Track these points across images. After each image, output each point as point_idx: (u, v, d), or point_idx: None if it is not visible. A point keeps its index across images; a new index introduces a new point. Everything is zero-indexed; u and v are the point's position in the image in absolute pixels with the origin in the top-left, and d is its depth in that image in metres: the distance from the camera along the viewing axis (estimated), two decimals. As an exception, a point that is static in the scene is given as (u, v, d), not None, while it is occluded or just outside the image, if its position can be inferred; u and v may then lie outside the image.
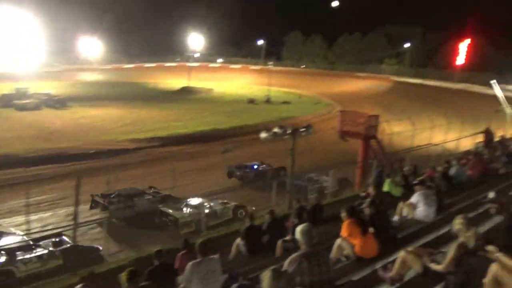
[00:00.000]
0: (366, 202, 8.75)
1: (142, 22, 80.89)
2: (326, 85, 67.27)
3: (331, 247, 6.64)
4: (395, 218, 8.71)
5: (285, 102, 56.39)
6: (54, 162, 24.64)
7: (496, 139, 20.88)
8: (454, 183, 11.60)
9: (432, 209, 8.68)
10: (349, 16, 79.73)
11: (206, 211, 16.18)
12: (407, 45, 75.14)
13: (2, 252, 11.84)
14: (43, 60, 66.48)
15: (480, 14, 58.34)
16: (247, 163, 23.50)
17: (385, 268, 5.97)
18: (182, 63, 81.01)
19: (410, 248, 5.82)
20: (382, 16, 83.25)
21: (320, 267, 4.43)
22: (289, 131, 15.80)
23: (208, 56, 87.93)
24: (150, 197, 18.09)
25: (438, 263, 5.17)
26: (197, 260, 5.84)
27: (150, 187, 19.25)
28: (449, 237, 5.87)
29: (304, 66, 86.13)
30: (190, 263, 5.83)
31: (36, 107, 42.92)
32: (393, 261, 5.82)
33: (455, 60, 65.96)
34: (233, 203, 17.36)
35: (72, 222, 13.90)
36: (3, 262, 11.63)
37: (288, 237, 8.50)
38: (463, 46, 65.70)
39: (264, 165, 23.13)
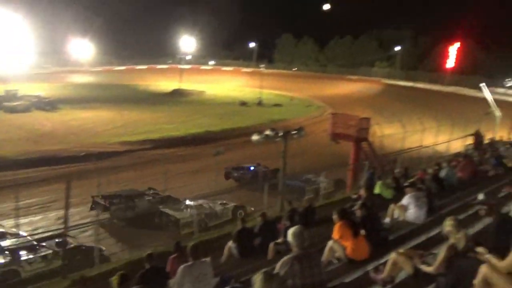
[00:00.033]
0: (358, 204, 8.79)
1: (134, 24, 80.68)
2: (318, 88, 67.52)
3: (323, 249, 6.64)
4: (387, 220, 8.76)
5: (276, 105, 56.49)
6: (44, 165, 24.43)
7: (486, 141, 21.11)
8: (444, 185, 11.69)
9: (423, 211, 8.74)
10: (340, 19, 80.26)
11: (206, 211, 16.50)
12: (397, 48, 75.74)
13: (6, 252, 11.97)
14: (33, 61, 65.98)
15: (469, 18, 59.04)
16: (244, 164, 23.68)
17: (376, 270, 5.99)
18: (173, 65, 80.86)
19: (401, 250, 5.85)
20: (373, 19, 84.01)
21: (312, 270, 4.43)
22: (280, 134, 15.77)
23: (200, 58, 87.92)
24: (150, 198, 18.23)
25: (429, 264, 5.20)
26: (189, 263, 5.82)
27: (149, 188, 19.34)
28: (440, 239, 5.91)
29: (295, 68, 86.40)
30: (181, 266, 5.81)
31: (26, 109, 42.53)
32: (385, 263, 5.84)
33: (445, 63, 66.66)
34: (232, 204, 17.62)
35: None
36: (8, 262, 11.77)
37: (280, 240, 8.50)
38: (453, 50, 66.42)
39: (261, 167, 23.16)
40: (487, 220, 6.70)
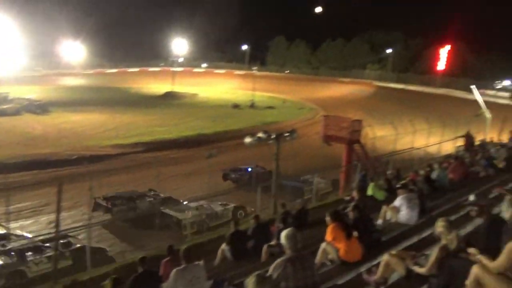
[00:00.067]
0: (350, 206, 8.82)
1: (126, 27, 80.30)
2: (310, 90, 67.74)
3: (316, 251, 6.65)
4: (379, 221, 8.80)
5: (269, 107, 56.58)
6: (35, 168, 24.22)
7: (477, 143, 21.29)
8: (436, 187, 11.76)
9: (415, 212, 8.79)
10: (332, 22, 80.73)
11: (207, 212, 16.85)
12: (389, 51, 76.29)
13: (12, 253, 12.17)
14: (24, 64, 65.46)
15: (460, 21, 59.64)
16: (241, 166, 23.88)
17: (369, 271, 6.01)
18: (166, 68, 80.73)
19: (393, 251, 5.87)
20: (364, 22, 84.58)
21: (305, 272, 4.44)
22: (273, 136, 15.78)
23: (192, 61, 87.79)
24: (151, 199, 18.44)
25: (421, 265, 5.23)
26: (182, 266, 5.80)
27: (150, 190, 19.49)
28: (432, 240, 5.95)
29: (288, 71, 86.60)
30: (174, 270, 5.79)
31: (16, 112, 42.10)
32: (377, 265, 5.87)
33: (436, 65, 67.24)
34: (232, 205, 17.96)
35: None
36: (15, 262, 11.95)
37: (273, 242, 8.50)
38: (444, 52, 67.02)
39: (258, 168, 23.20)
40: (478, 221, 6.76)
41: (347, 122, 22.11)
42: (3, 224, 15.33)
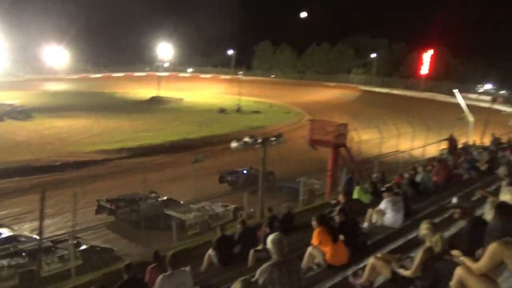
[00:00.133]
0: (336, 209, 8.86)
1: (110, 31, 79.76)
2: (296, 95, 68.06)
3: (303, 255, 6.66)
4: (365, 224, 8.85)
5: (255, 112, 56.61)
6: (18, 175, 23.75)
7: (460, 146, 21.63)
8: (420, 189, 11.90)
9: (400, 215, 8.87)
10: (317, 27, 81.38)
11: (209, 213, 17.42)
12: (373, 55, 77.19)
13: (23, 254, 12.52)
14: (6, 69, 64.42)
15: (442, 26, 60.74)
16: (237, 168, 24.11)
17: (355, 275, 6.04)
18: (151, 73, 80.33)
19: (379, 254, 5.92)
20: (349, 27, 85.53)
21: (291, 276, 4.44)
22: (259, 141, 15.85)
23: (178, 66, 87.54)
24: (154, 201, 18.76)
25: (406, 268, 5.27)
26: (168, 273, 5.76)
27: (151, 192, 19.71)
28: (417, 242, 6.00)
29: (274, 75, 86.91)
30: (160, 276, 5.75)
31: (-2, 118, 41.48)
32: (364, 268, 5.90)
33: (420, 69, 68.29)
34: (232, 206, 18.28)
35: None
36: (27, 262, 12.30)
37: (260, 247, 8.48)
38: (427, 57, 68.13)
39: (253, 170, 23.27)
40: (462, 223, 6.85)
41: (333, 126, 22.24)
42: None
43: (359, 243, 7.35)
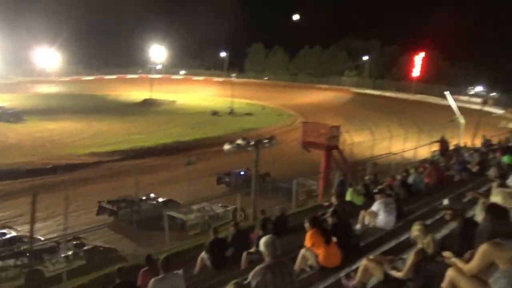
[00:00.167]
0: (329, 211, 8.88)
1: (102, 33, 79.43)
2: (289, 97, 68.18)
3: (296, 257, 6.67)
4: (358, 226, 8.88)
5: (248, 114, 56.66)
6: (9, 178, 23.52)
7: (451, 147, 21.78)
8: (412, 191, 11.96)
9: (392, 216, 8.90)
10: (310, 30, 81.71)
11: (209, 214, 17.73)
12: (365, 58, 77.58)
13: (27, 254, 12.69)
14: (-3, 71, 63.92)
15: (433, 29, 61.32)
16: (234, 170, 24.24)
17: (348, 276, 6.05)
18: (144, 75, 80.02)
19: (371, 256, 5.93)
20: (341, 30, 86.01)
21: (284, 278, 4.43)
22: (252, 143, 15.90)
23: (171, 68, 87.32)
24: (154, 202, 19.10)
25: (399, 270, 5.29)
26: (160, 276, 5.72)
27: (150, 193, 20.09)
28: (409, 244, 6.03)
29: (266, 78, 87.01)
30: (152, 280, 5.72)
31: (-11, 121, 41.08)
32: (356, 270, 5.92)
33: (411, 72, 68.76)
34: (232, 206, 18.40)
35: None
36: (32, 262, 12.55)
37: (253, 249, 8.47)
38: (418, 59, 68.63)
39: (250, 171, 23.32)
40: (453, 225, 6.90)
41: (325, 129, 22.32)
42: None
43: (351, 245, 7.37)
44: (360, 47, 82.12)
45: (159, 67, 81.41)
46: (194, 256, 9.33)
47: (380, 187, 11.10)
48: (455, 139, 24.56)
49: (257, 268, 4.42)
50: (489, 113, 43.06)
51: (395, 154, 22.81)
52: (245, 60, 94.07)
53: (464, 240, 5.05)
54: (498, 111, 48.66)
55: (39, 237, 14.61)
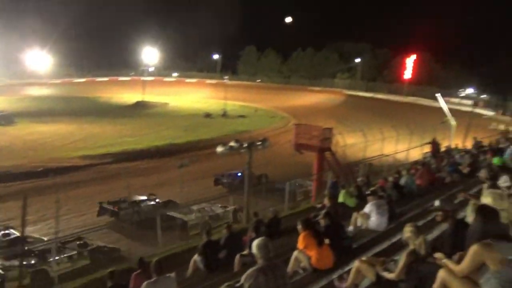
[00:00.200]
0: (322, 213, 8.89)
1: (94, 36, 79.04)
2: (281, 99, 68.33)
3: (289, 259, 6.67)
4: (350, 228, 8.90)
5: (241, 116, 56.68)
6: (-1, 181, 23.34)
7: (442, 149, 21.92)
8: (404, 193, 12.01)
9: (384, 218, 8.94)
10: (302, 32, 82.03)
11: (210, 214, 17.89)
12: (358, 60, 77.99)
13: (33, 254, 12.89)
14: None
15: (424, 32, 61.79)
16: (232, 171, 24.26)
17: (341, 278, 6.07)
18: (136, 77, 79.75)
19: (363, 258, 5.95)
20: (333, 32, 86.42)
21: (277, 281, 4.42)
22: (245, 145, 15.92)
23: (163, 70, 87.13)
24: (154, 202, 19.23)
25: (391, 271, 5.31)
26: (152, 279, 5.70)
27: (150, 194, 20.19)
28: (401, 245, 6.06)
29: (259, 80, 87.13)
30: (144, 283, 5.69)
31: (-21, 124, 40.71)
32: (349, 271, 5.93)
33: (403, 74, 69.24)
34: (232, 207, 18.60)
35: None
36: (37, 262, 12.76)
37: (246, 252, 8.46)
38: (410, 62, 69.15)
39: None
40: (445, 226, 6.95)
41: (318, 131, 22.37)
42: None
43: (344, 247, 7.39)
44: (352, 50, 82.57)
45: (151, 69, 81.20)
46: (187, 258, 9.30)
47: (372, 188, 11.15)
48: (446, 141, 24.73)
49: (250, 270, 4.41)
50: (480, 115, 43.50)
51: (387, 155, 22.92)
52: (238, 63, 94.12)
53: (455, 241, 5.08)
54: (489, 113, 49.22)
55: (42, 237, 14.83)
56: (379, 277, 5.46)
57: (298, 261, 6.68)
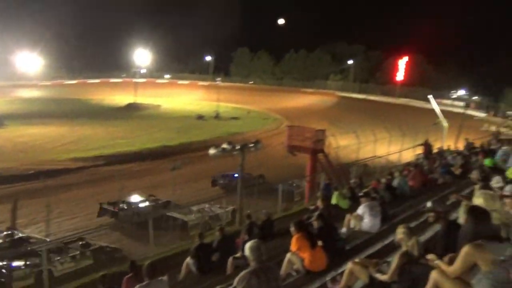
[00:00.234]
0: (315, 215, 8.88)
1: (86, 37, 78.57)
2: (274, 101, 68.39)
3: (282, 262, 6.65)
4: (343, 230, 8.90)
5: (234, 118, 56.61)
6: (-12, 185, 23.04)
7: (435, 150, 22.05)
8: (397, 194, 12.05)
9: (377, 220, 8.95)
10: (295, 34, 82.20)
11: (209, 214, 17.99)
12: (350, 62, 78.33)
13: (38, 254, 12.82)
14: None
15: (417, 33, 62.21)
16: (229, 172, 24.13)
17: (334, 280, 6.06)
18: (128, 79, 79.42)
19: (356, 259, 5.95)
20: (326, 34, 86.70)
21: (270, 283, 4.40)
22: (238, 147, 15.87)
23: (155, 72, 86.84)
24: (154, 203, 19.34)
25: (384, 273, 5.31)
26: (144, 283, 5.64)
27: (150, 195, 20.29)
28: (394, 247, 6.06)
29: (252, 82, 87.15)
30: (136, 287, 5.62)
31: (-32, 126, 40.29)
32: (342, 273, 5.92)
33: (395, 76, 69.66)
34: (231, 207, 18.72)
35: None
36: (41, 262, 12.47)
37: (238, 254, 8.42)
38: (402, 63, 69.58)
39: (245, 174, 23.30)
40: (438, 227, 6.97)
41: (311, 132, 22.43)
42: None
43: (337, 249, 7.38)
44: (345, 51, 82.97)
45: (143, 71, 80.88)
46: (179, 261, 9.24)
47: (365, 190, 11.16)
48: (438, 142, 24.88)
49: (243, 273, 4.39)
50: (472, 117, 43.86)
51: (380, 157, 23.01)
52: (231, 64, 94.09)
53: (447, 243, 5.09)
54: (480, 114, 49.64)
55: (45, 238, 14.89)
56: (372, 279, 5.45)
57: (291, 263, 6.66)
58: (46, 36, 68.21)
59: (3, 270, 12.15)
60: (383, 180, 12.86)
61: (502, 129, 33.74)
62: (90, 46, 78.01)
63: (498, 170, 12.29)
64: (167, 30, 78.81)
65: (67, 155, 30.76)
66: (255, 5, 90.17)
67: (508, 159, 13.73)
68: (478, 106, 55.40)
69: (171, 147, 34.79)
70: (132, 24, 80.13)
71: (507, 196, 5.70)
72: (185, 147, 35.22)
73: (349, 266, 5.69)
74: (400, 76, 69.32)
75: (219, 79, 75.20)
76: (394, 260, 5.13)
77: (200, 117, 55.40)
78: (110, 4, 75.36)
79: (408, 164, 18.52)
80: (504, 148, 15.43)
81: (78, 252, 13.80)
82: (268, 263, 4.65)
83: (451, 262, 4.24)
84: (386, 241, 7.74)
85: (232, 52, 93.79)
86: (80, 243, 14.23)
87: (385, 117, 45.70)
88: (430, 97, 32.87)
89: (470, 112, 46.74)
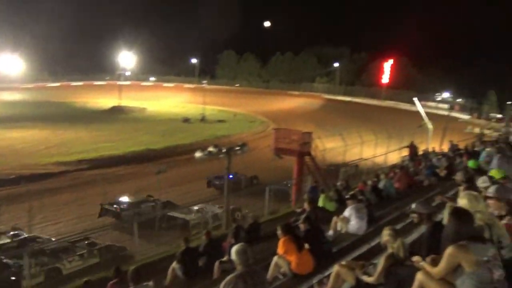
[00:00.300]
0: (302, 218, 8.86)
1: (67, 39, 77.58)
2: (261, 103, 68.48)
3: (269, 265, 6.61)
4: (330, 232, 8.89)
5: (220, 121, 56.53)
6: (-32, 190, 22.50)
7: (420, 152, 22.28)
8: (383, 196, 12.11)
9: (364, 222, 8.97)
10: (281, 36, 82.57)
11: (209, 214, 18.02)
12: (336, 64, 78.90)
13: (47, 252, 13.43)
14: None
15: (402, 36, 63.06)
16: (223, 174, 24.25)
17: (321, 283, 6.03)
18: (112, 82, 78.66)
19: (343, 262, 5.93)
20: (312, 36, 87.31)
21: (256, 287, 4.36)
22: (224, 150, 15.84)
23: (140, 75, 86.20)
24: (154, 203, 19.61)
25: (370, 275, 5.30)
26: (129, 288, 5.55)
27: (149, 196, 20.58)
28: (380, 249, 6.07)
29: (238, 84, 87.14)
30: (121, 293, 5.53)
31: None
32: (329, 276, 5.90)
33: (381, 78, 70.38)
34: (230, 207, 18.56)
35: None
36: (50, 261, 13.27)
37: (225, 258, 8.35)
38: (387, 66, 70.35)
39: (239, 174, 23.28)
40: (423, 229, 7.00)
41: (297, 135, 22.47)
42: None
43: (324, 251, 7.36)
44: (331, 54, 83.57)
45: (128, 73, 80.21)
46: (165, 266, 9.13)
47: (351, 192, 11.19)
48: (423, 144, 25.15)
49: (229, 277, 4.33)
50: (456, 119, 44.51)
51: (366, 159, 23.16)
52: (217, 67, 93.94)
53: (432, 244, 5.11)
54: (464, 116, 50.46)
55: (51, 238, 15.29)
56: (358, 281, 5.44)
57: (278, 267, 6.62)
58: (27, 38, 67.18)
59: (13, 269, 12.36)
60: (369, 182, 12.92)
61: (486, 131, 34.32)
62: (73, 48, 77.06)
63: (482, 171, 12.43)
64: (152, 32, 78.51)
65: (50, 159, 30.27)
66: (241, 7, 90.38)
67: (492, 160, 13.90)
68: (462, 108, 56.31)
69: (156, 151, 34.51)
70: (117, 26, 79.61)
71: (490, 198, 5.75)
72: (170, 150, 34.98)
73: (335, 268, 5.67)
74: (385, 78, 70.08)
75: (205, 81, 75.06)
76: (380, 262, 5.13)
77: (186, 120, 55.16)
78: (94, 5, 74.67)
79: (394, 166, 18.67)
80: (488, 149, 15.61)
81: (85, 251, 14.18)
82: (254, 266, 4.61)
83: (433, 262, 4.25)
84: (373, 243, 7.75)
85: (218, 54, 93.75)
86: (86, 242, 14.63)
87: (371, 120, 46.12)
88: (415, 99, 33.29)
89: (455, 114, 47.45)
